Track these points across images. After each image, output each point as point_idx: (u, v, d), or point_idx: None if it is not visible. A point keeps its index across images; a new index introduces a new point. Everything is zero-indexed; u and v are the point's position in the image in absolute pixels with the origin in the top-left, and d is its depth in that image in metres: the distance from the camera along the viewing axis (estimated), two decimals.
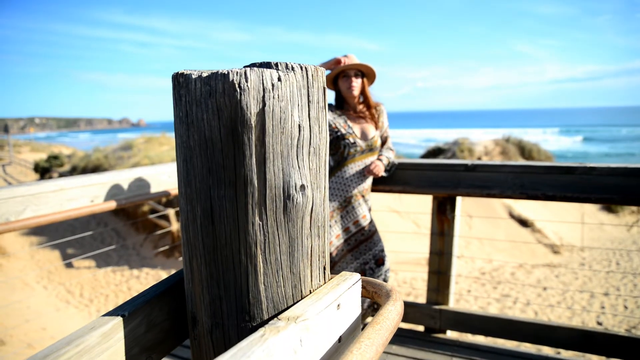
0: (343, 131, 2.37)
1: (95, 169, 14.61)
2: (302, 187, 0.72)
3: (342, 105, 2.48)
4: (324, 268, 0.81)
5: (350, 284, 0.80)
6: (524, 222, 11.25)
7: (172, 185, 2.59)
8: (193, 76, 0.68)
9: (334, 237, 2.36)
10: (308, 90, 0.73)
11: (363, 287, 0.90)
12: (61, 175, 16.98)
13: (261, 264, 0.70)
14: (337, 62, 2.38)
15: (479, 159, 15.04)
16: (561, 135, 59.62)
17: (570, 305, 6.57)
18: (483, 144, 16.43)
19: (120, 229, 11.30)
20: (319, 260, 0.78)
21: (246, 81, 0.65)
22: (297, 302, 0.74)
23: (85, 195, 2.16)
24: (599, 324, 5.94)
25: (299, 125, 0.71)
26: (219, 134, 0.67)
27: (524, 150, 16.64)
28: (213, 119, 0.67)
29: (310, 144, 0.73)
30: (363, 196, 2.42)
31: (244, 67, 0.69)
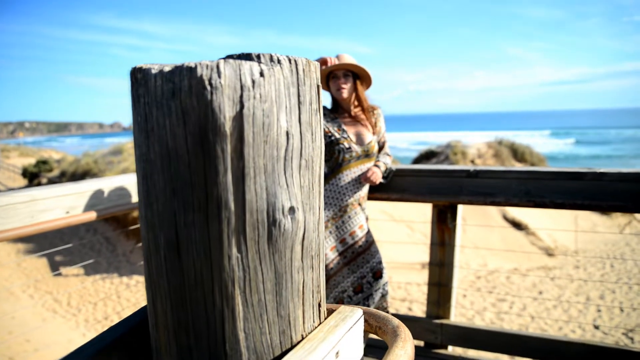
0: (337, 135, 2.23)
1: (85, 174, 14.36)
2: (291, 209, 0.58)
3: (336, 109, 2.34)
4: (319, 305, 0.67)
5: (350, 323, 0.66)
6: (518, 225, 11.20)
7: None
8: (152, 71, 0.54)
9: (329, 249, 2.21)
10: (298, 89, 0.59)
11: (365, 320, 0.76)
12: (50, 180, 16.69)
13: (240, 306, 0.56)
14: (324, 62, 2.23)
15: (472, 161, 15.00)
16: (552, 138, 60.06)
17: (567, 309, 6.49)
18: (476, 146, 16.41)
19: (109, 235, 11.07)
20: (312, 297, 0.64)
21: (219, 77, 0.51)
22: (287, 351, 0.60)
23: (60, 206, 2.00)
24: (596, 327, 5.86)
25: (287, 133, 0.57)
26: (185, 145, 0.53)
27: (516, 152, 16.66)
28: (177, 125, 0.52)
29: (301, 155, 0.59)
30: (360, 204, 2.27)
31: (219, 59, 0.55)
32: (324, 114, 2.29)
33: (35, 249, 10.36)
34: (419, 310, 6.49)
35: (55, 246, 10.02)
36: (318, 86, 0.63)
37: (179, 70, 0.52)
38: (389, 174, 2.37)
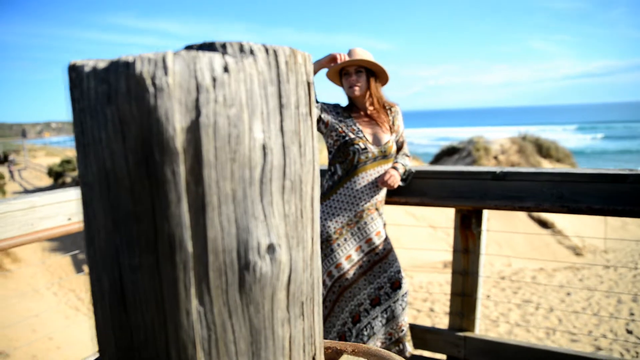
0: (352, 135, 2.07)
1: None
2: (271, 247, 0.44)
3: (351, 107, 2.19)
4: (314, 359, 0.53)
5: None
6: (543, 224, 10.85)
7: None
8: (86, 69, 0.41)
9: (344, 258, 2.07)
10: (279, 88, 0.45)
11: None
12: (74, 179, 17.08)
13: None
14: (333, 59, 2.07)
15: (496, 157, 14.63)
16: (578, 132, 58.36)
17: (597, 312, 6.20)
18: (499, 142, 16.01)
19: None
20: (303, 352, 0.50)
21: (165, 74, 0.37)
22: None
23: (61, 213, 1.91)
24: (629, 332, 5.57)
25: (264, 146, 0.43)
26: (126, 165, 0.40)
27: (541, 148, 16.20)
28: (115, 139, 0.39)
29: (284, 175, 0.45)
30: (377, 209, 2.12)
31: (168, 51, 0.42)
32: (338, 112, 2.14)
33: (60, 247, 10.54)
34: (441, 311, 6.30)
35: (79, 244, 10.16)
36: (308, 83, 0.49)
37: (114, 66, 0.39)
38: (408, 177, 2.21)
